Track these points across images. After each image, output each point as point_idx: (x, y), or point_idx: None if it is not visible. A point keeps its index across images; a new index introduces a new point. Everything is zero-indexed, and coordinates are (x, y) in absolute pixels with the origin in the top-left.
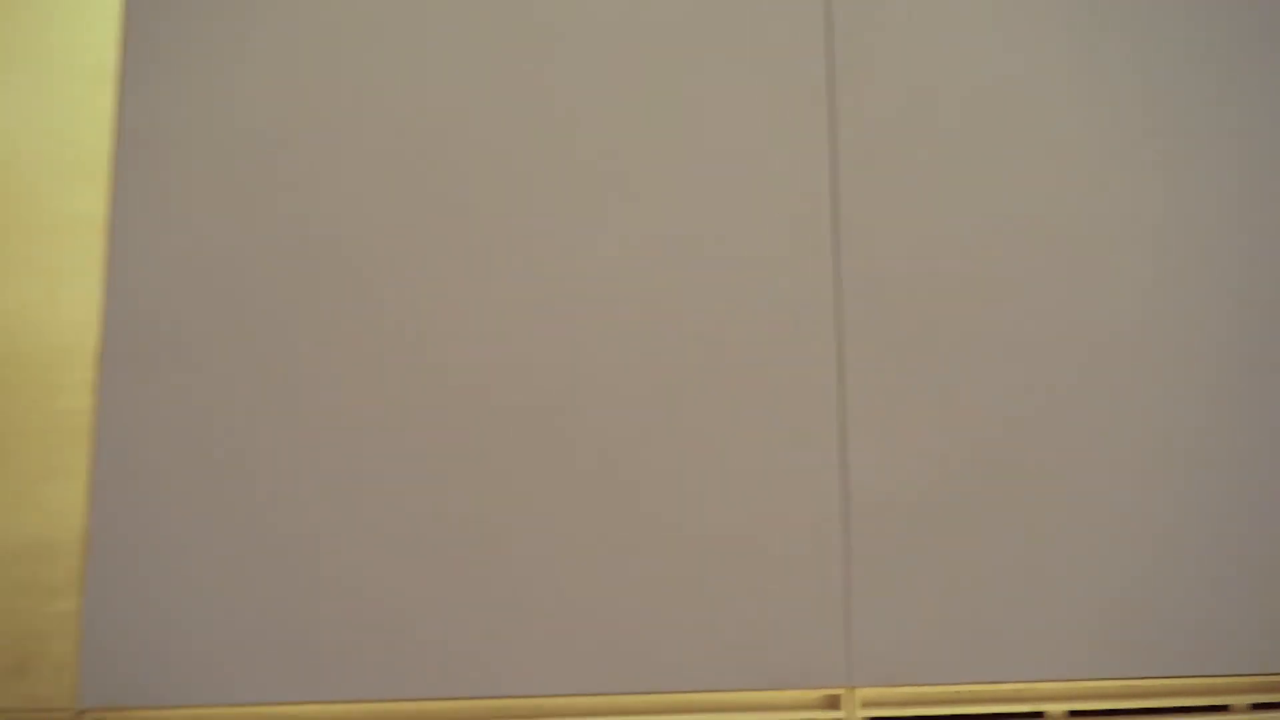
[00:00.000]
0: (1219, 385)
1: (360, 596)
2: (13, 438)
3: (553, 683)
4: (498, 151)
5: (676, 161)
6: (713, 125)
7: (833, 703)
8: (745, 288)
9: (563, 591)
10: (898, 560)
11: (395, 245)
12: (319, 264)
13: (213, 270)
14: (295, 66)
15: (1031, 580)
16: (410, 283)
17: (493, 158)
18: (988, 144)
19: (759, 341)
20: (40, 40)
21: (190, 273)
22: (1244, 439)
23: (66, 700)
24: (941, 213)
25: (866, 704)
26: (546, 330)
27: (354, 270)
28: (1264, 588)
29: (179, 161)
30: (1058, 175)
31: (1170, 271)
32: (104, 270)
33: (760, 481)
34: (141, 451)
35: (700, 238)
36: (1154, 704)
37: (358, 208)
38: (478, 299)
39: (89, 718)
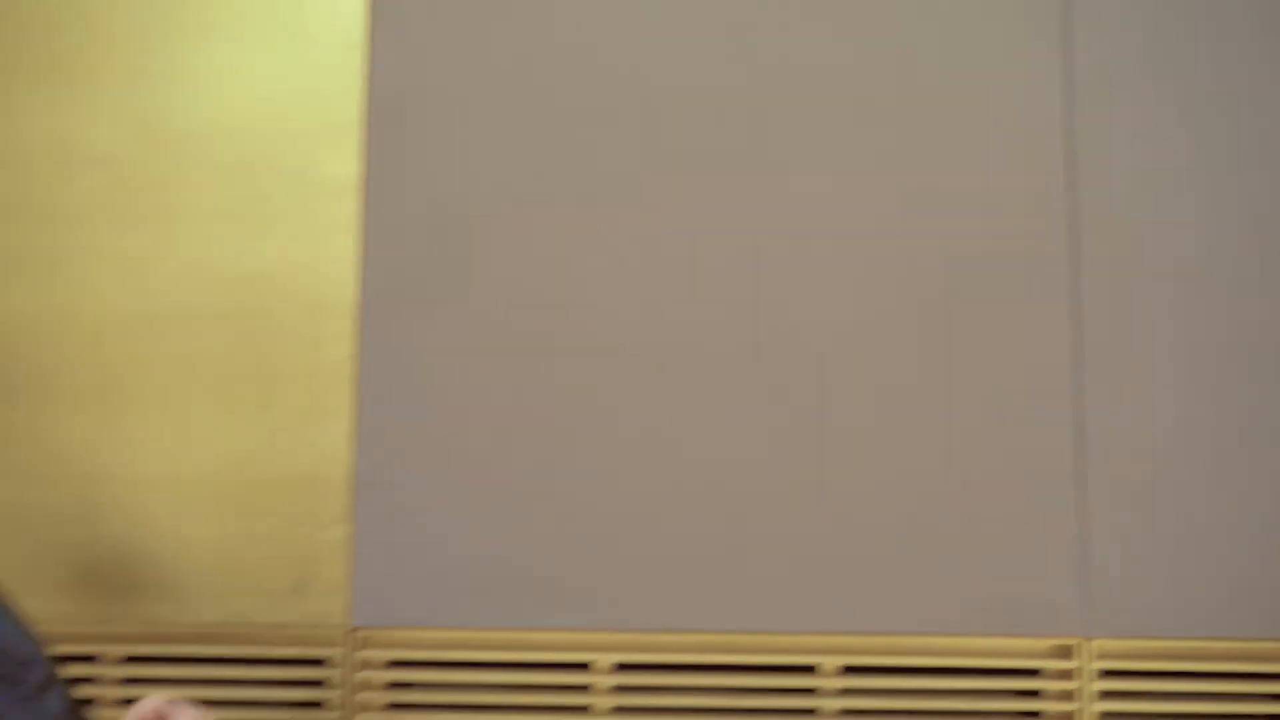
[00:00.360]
0: None
1: (607, 528)
2: (284, 383)
3: (795, 621)
4: (729, 98)
5: (911, 97)
6: (947, 63)
7: (1065, 653)
8: (976, 229)
9: (804, 538)
10: (1135, 509)
11: (638, 197)
12: (562, 217)
13: (460, 225)
14: (536, 29)
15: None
16: (656, 234)
17: (724, 104)
18: (1218, 77)
19: (991, 286)
20: (295, 13)
21: (439, 228)
22: None
23: (341, 619)
24: (1178, 148)
25: (1103, 655)
26: (777, 277)
27: (599, 222)
28: None
29: (427, 123)
30: None
31: None
32: (360, 228)
33: (995, 428)
34: (400, 393)
35: (931, 177)
36: None
37: (599, 163)
38: (714, 245)
39: (360, 635)
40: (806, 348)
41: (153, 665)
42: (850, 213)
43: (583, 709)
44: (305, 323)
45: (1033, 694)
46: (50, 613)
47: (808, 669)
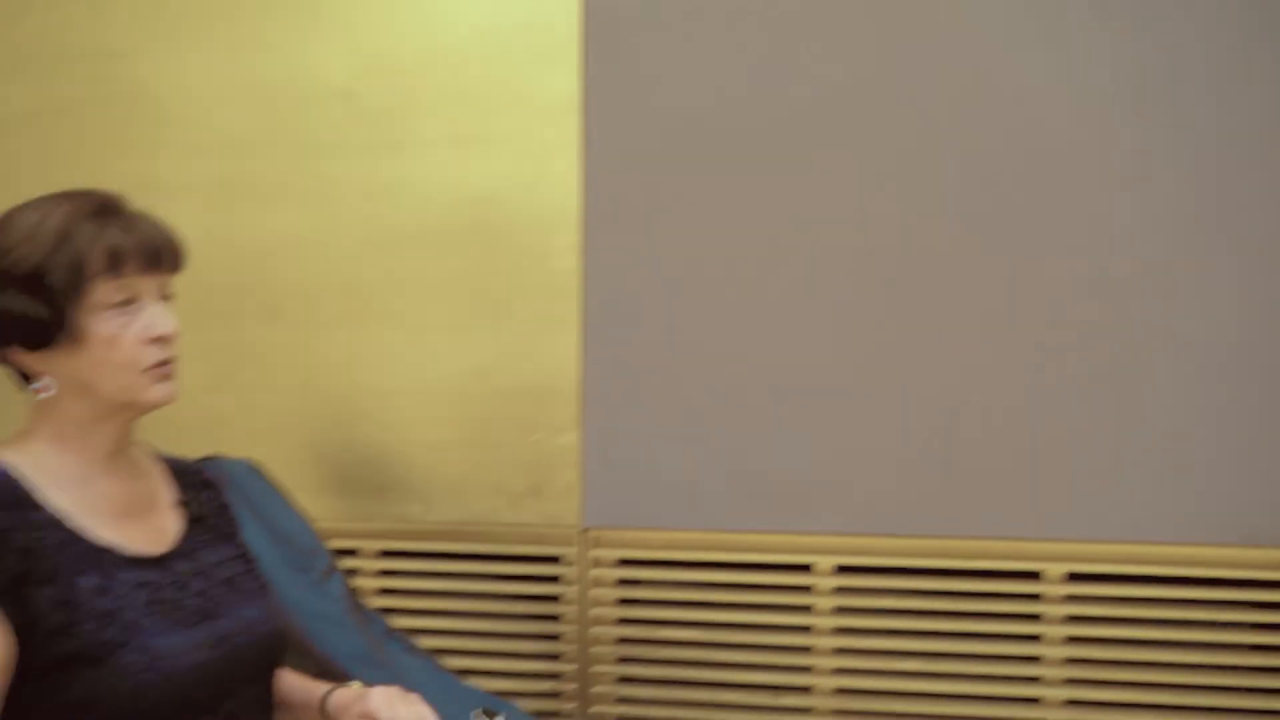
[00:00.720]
0: None
1: (830, 434)
2: (514, 297)
3: (1019, 527)
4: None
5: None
6: None
7: None
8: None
9: (1028, 443)
10: None
11: (860, 106)
12: (779, 128)
13: (679, 138)
14: None
15: None
16: (880, 142)
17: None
18: None
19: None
20: None
21: (659, 142)
22: None
23: (573, 519)
24: None
25: None
26: (1012, 188)
27: (818, 133)
28: None
29: (644, 40)
30: None
31: None
32: (582, 146)
33: (1226, 336)
34: (624, 304)
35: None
36: None
37: (817, 74)
38: (938, 153)
39: (591, 534)
40: (1040, 260)
41: (404, 559)
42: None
43: (805, 609)
44: (533, 240)
45: (1268, 606)
46: (316, 511)
47: (1032, 575)
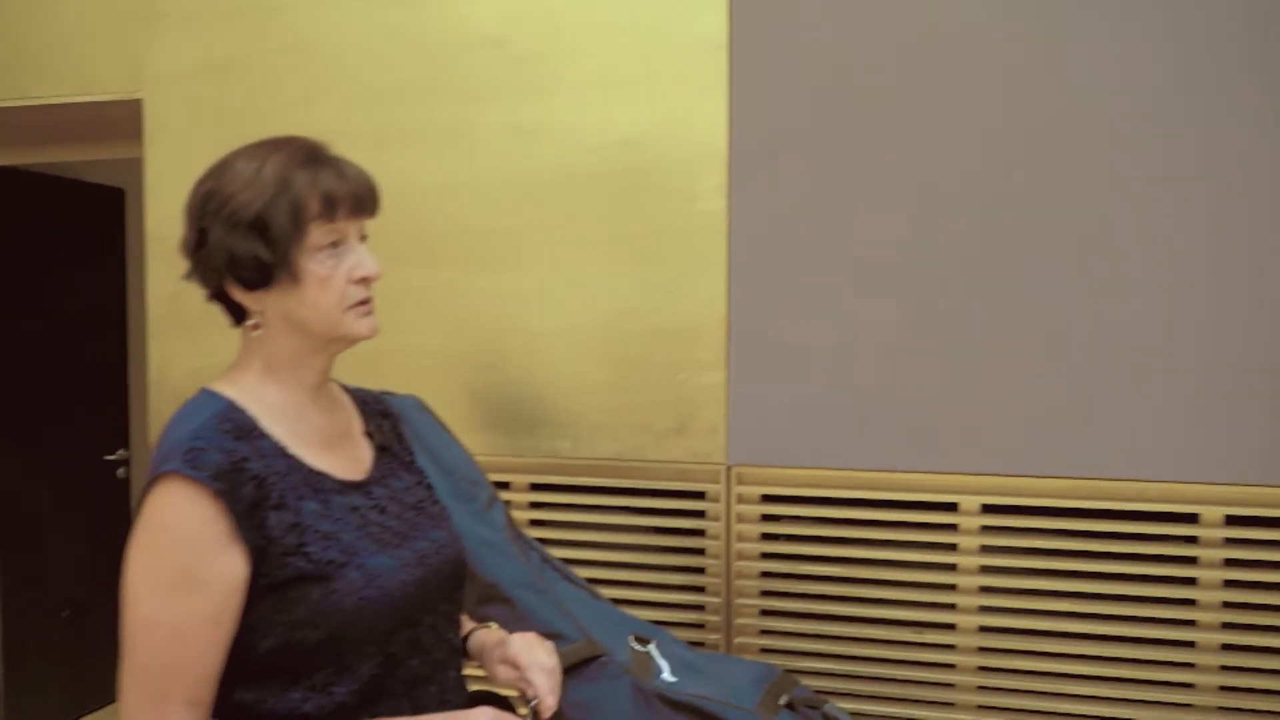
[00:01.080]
0: None
1: (976, 376)
2: (661, 238)
3: (1173, 470)
4: None
5: None
6: None
7: None
8: None
9: (1180, 386)
10: None
11: (1004, 42)
12: (926, 63)
13: (825, 78)
14: None
15: None
16: (1024, 81)
17: None
18: None
19: None
20: None
21: (804, 81)
22: None
23: (718, 456)
24: None
25: None
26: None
27: (963, 71)
28: None
29: None
30: None
31: None
32: (728, 85)
33: None
34: (771, 245)
35: None
36: None
37: (961, 12)
38: (1084, 98)
39: (736, 471)
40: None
41: (555, 493)
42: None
43: (950, 547)
44: (680, 181)
45: None
46: (471, 445)
47: (1190, 518)
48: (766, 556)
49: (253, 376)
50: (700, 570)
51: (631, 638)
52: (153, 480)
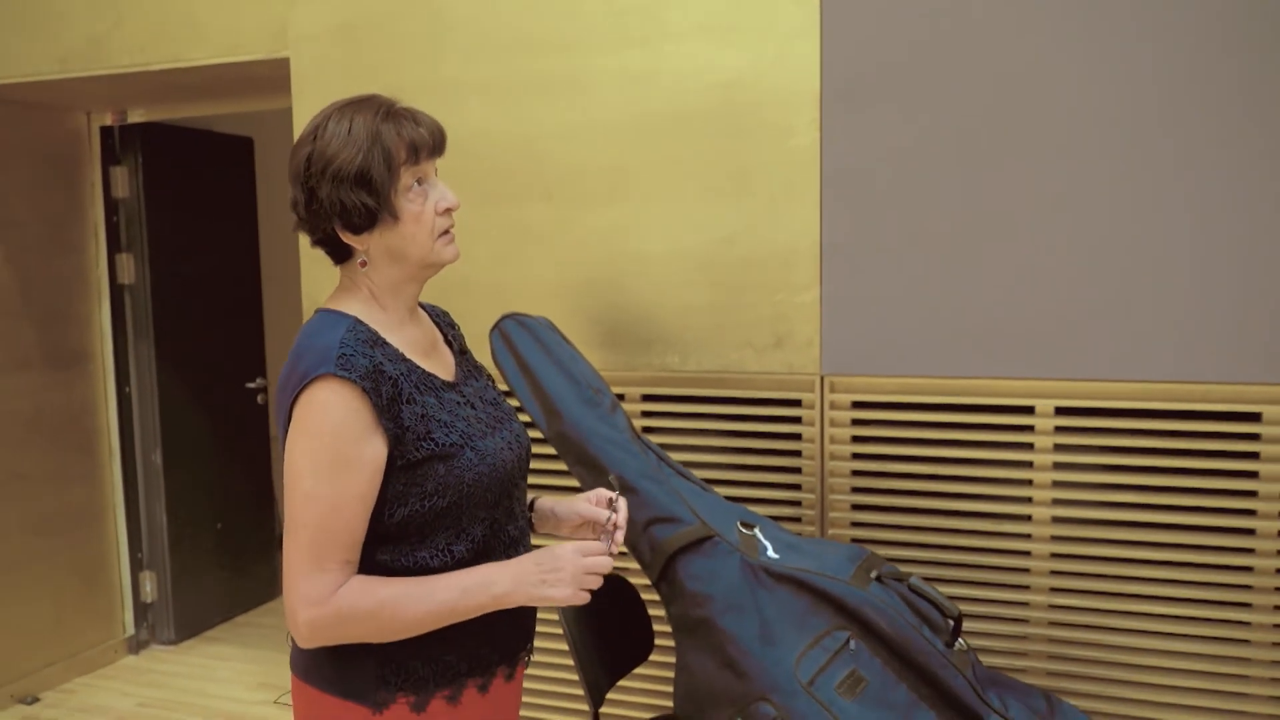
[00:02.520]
0: None
1: (1050, 287)
2: (759, 171)
3: (1237, 372)
4: None
5: None
6: None
7: None
8: None
9: (1242, 292)
10: None
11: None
12: (998, 17)
13: (904, 26)
14: None
15: None
16: (1099, 23)
17: None
18: None
19: None
20: None
21: (891, 25)
22: None
23: (812, 368)
24: None
25: None
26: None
27: (1041, 21)
28: None
29: None
30: None
31: None
32: (819, 30)
33: None
34: (858, 176)
35: None
36: None
37: None
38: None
39: (829, 381)
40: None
41: (664, 403)
42: None
43: (1027, 446)
44: (775, 118)
45: None
46: (590, 360)
47: (1253, 417)
48: (857, 457)
49: (360, 302)
50: (797, 470)
51: (738, 523)
52: (308, 382)
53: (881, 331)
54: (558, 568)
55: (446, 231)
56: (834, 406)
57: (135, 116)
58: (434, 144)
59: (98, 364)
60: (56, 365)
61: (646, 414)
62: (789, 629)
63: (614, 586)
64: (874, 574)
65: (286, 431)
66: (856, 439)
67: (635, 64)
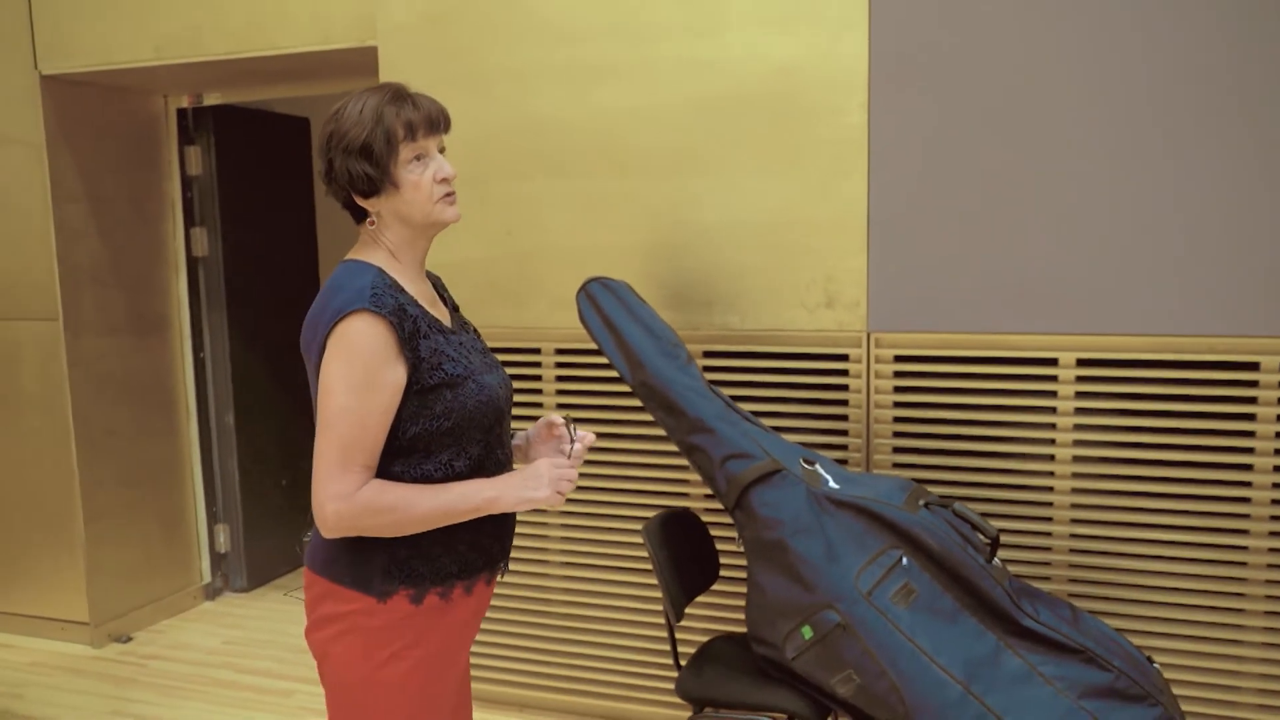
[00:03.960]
0: None
1: (1072, 250)
2: (812, 148)
3: (1238, 325)
4: None
5: None
6: None
7: None
8: None
9: (1246, 250)
10: None
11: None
12: (1029, 17)
13: (947, 14)
14: None
15: None
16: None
17: None
18: None
19: None
20: None
21: (933, 18)
22: None
23: (859, 326)
24: None
25: None
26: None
27: (1065, 23)
28: None
29: None
30: None
31: None
32: (868, 21)
33: None
34: (903, 153)
35: None
36: None
37: None
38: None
39: (874, 337)
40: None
41: (724, 359)
42: None
43: (1051, 394)
44: (827, 100)
45: None
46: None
47: (1252, 365)
48: (898, 405)
49: (381, 256)
50: (844, 418)
51: (801, 459)
52: (343, 316)
53: (922, 293)
54: (538, 474)
55: (446, 196)
56: (879, 360)
57: (211, 99)
58: (431, 123)
59: (175, 330)
60: (140, 331)
61: (708, 369)
62: (850, 548)
63: (686, 520)
64: (922, 502)
65: (318, 359)
66: (898, 389)
67: (699, 52)
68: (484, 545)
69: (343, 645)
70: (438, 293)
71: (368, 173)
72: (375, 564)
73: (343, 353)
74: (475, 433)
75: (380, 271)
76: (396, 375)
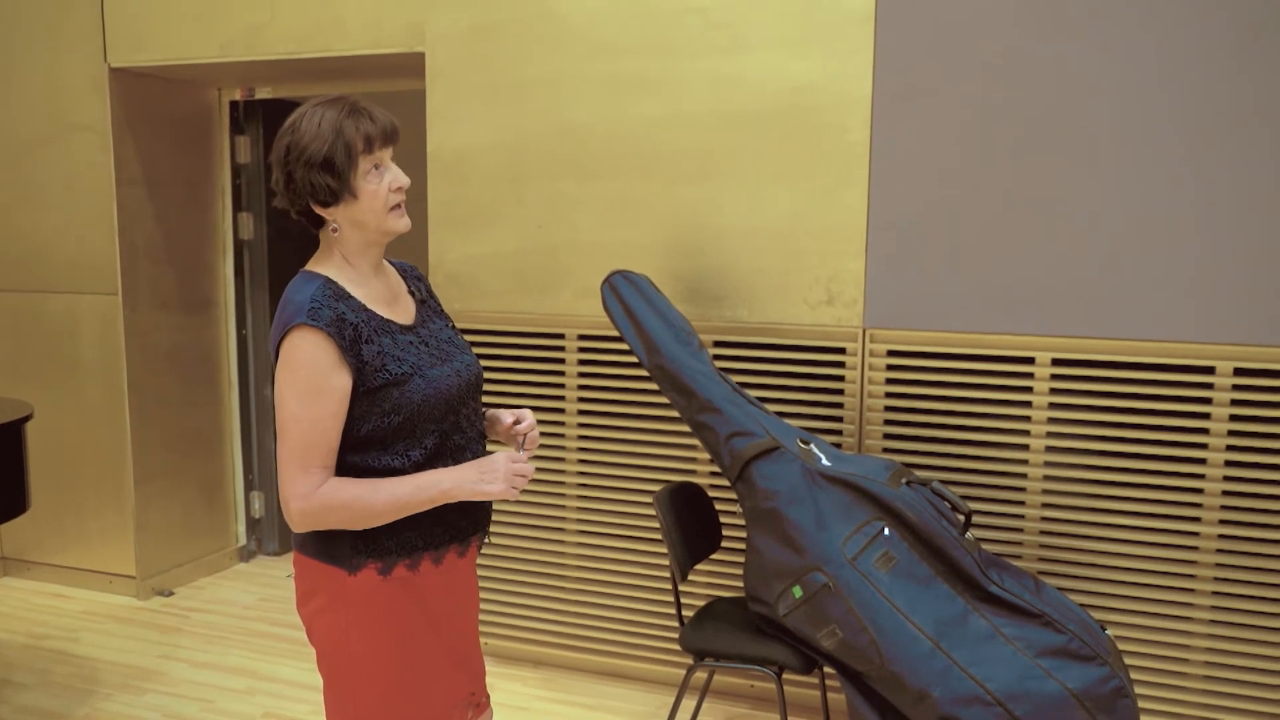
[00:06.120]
0: None
1: (1048, 258)
2: (819, 160)
3: (1196, 331)
4: None
5: None
6: None
7: None
8: None
9: (1207, 260)
10: None
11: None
12: (1029, 46)
13: (943, 47)
14: None
15: None
16: (1139, 27)
17: None
18: None
19: None
20: None
21: (934, 46)
22: None
23: (856, 322)
24: None
25: None
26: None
27: (1066, 40)
28: None
29: None
30: None
31: None
32: (873, 46)
33: None
34: (902, 166)
35: None
36: None
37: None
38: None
39: (869, 333)
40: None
41: (733, 348)
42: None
43: (1027, 389)
44: (834, 118)
45: None
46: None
47: (1208, 369)
48: (890, 395)
49: (334, 263)
50: (839, 405)
51: (797, 439)
52: (288, 330)
53: (914, 294)
54: (494, 468)
55: (397, 206)
56: (873, 354)
57: (262, 94)
58: (386, 136)
59: (221, 309)
60: (189, 309)
61: (718, 358)
62: (838, 518)
63: (693, 492)
64: (904, 480)
65: (274, 369)
66: (890, 380)
67: (722, 69)
68: (449, 520)
69: (324, 617)
70: (409, 284)
71: (329, 184)
72: (344, 539)
73: (289, 365)
74: (427, 424)
75: (325, 282)
76: (341, 381)
